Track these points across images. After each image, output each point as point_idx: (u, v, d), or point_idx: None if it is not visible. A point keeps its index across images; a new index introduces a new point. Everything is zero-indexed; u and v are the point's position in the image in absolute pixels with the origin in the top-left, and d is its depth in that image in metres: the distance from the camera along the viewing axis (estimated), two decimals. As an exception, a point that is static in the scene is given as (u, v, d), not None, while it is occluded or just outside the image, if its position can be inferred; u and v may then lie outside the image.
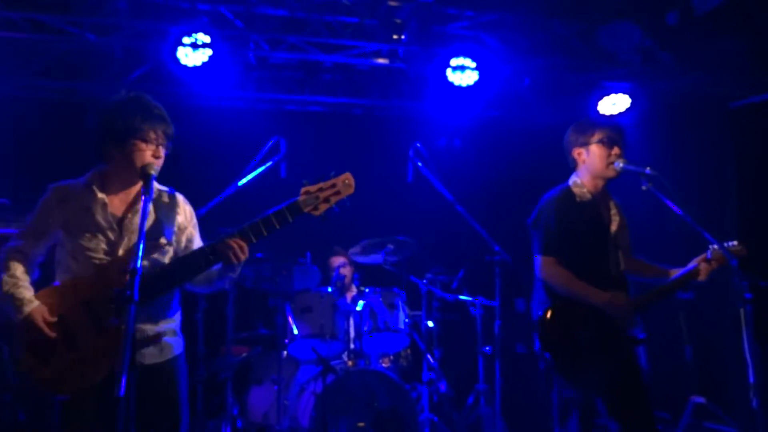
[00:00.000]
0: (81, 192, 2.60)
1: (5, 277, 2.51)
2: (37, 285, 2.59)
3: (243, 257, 2.50)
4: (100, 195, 2.58)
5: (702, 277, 3.01)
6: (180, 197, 2.76)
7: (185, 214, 2.74)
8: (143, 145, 2.54)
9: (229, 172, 4.29)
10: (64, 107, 5.52)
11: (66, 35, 4.99)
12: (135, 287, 2.08)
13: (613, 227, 3.07)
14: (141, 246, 2.19)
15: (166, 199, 2.70)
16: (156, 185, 2.69)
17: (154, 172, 2.47)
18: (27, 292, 2.48)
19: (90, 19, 4.90)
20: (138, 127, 2.53)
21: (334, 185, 2.51)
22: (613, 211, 3.11)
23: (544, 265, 3.05)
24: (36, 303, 2.45)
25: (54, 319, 2.44)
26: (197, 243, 2.74)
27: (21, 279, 2.51)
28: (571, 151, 3.16)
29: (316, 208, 2.49)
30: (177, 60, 4.91)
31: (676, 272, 3.12)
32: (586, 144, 3.10)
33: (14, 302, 2.44)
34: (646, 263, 3.24)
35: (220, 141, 5.48)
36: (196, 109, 5.63)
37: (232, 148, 5.16)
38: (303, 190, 2.51)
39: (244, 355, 4.97)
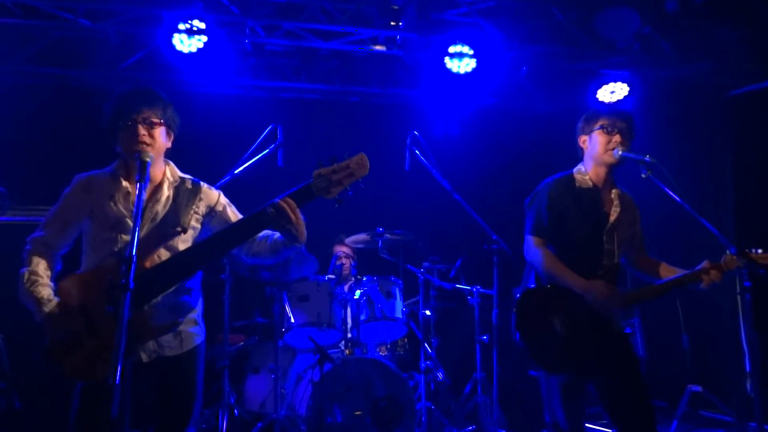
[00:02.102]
0: (106, 181, 2.60)
1: (27, 274, 2.51)
2: (61, 275, 2.61)
3: (296, 220, 2.38)
4: (125, 183, 2.59)
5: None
6: (204, 184, 2.74)
7: (208, 199, 2.71)
8: (126, 131, 2.52)
9: (226, 161, 4.25)
10: (58, 94, 5.47)
11: (60, 21, 4.93)
12: (130, 276, 2.06)
13: (612, 217, 3.05)
14: (136, 233, 2.17)
15: (188, 185, 2.69)
16: (179, 173, 2.71)
17: (149, 159, 2.44)
18: (45, 290, 2.49)
19: (84, 5, 4.84)
20: (121, 115, 2.53)
21: (347, 167, 2.41)
22: (615, 202, 3.08)
23: (529, 245, 3.07)
24: (54, 302, 2.46)
25: (75, 308, 2.43)
26: (236, 217, 2.71)
27: (42, 276, 2.52)
28: (578, 139, 3.16)
29: (328, 192, 2.40)
30: (172, 46, 4.86)
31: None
32: (590, 131, 3.10)
33: (34, 301, 2.46)
34: (658, 263, 3.13)
35: (216, 129, 5.43)
36: (191, 96, 5.58)
37: (228, 136, 5.12)
38: (315, 173, 2.41)
39: (241, 343, 4.96)
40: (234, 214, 2.74)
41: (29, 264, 2.54)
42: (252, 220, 2.46)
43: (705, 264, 2.91)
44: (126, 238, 2.50)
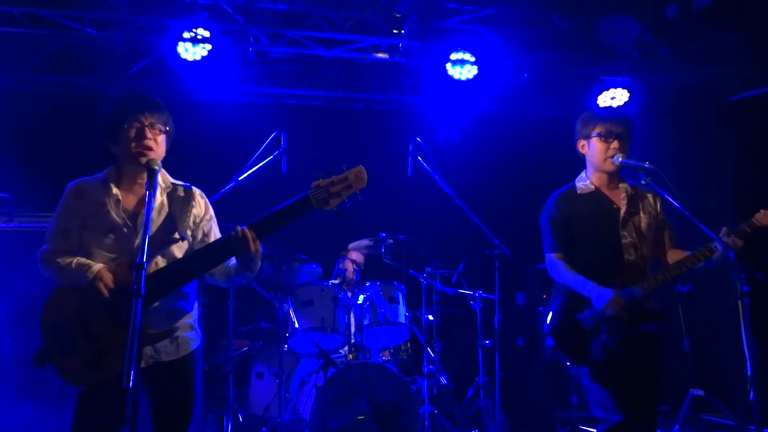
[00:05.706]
0: (97, 188, 2.61)
1: (59, 260, 2.50)
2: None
3: (255, 249, 2.44)
4: (115, 191, 2.58)
5: (728, 245, 2.84)
6: (196, 191, 2.75)
7: (200, 207, 2.71)
8: (132, 132, 2.53)
9: (230, 167, 4.29)
10: (64, 102, 5.53)
11: (66, 30, 4.98)
12: (141, 282, 2.08)
13: (623, 210, 3.07)
14: (146, 241, 2.19)
15: (181, 192, 2.69)
16: (170, 179, 2.71)
17: (157, 167, 2.46)
18: (84, 259, 2.49)
19: (90, 14, 4.89)
20: (125, 117, 2.54)
21: (345, 179, 2.46)
22: (623, 195, 3.11)
23: (549, 263, 3.14)
24: (101, 264, 2.46)
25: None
26: (214, 235, 2.72)
27: (72, 254, 2.52)
28: (577, 143, 3.19)
29: (327, 203, 2.45)
30: (177, 55, 4.91)
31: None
32: (587, 137, 3.12)
33: (81, 267, 2.44)
34: (682, 252, 3.09)
35: (220, 136, 5.48)
36: (195, 103, 5.64)
37: (232, 142, 5.17)
38: (314, 184, 2.46)
39: (245, 348, 5.00)
40: (215, 229, 2.75)
41: (53, 260, 2.52)
42: (220, 245, 2.51)
43: (724, 230, 2.88)
44: (120, 245, 2.52)
